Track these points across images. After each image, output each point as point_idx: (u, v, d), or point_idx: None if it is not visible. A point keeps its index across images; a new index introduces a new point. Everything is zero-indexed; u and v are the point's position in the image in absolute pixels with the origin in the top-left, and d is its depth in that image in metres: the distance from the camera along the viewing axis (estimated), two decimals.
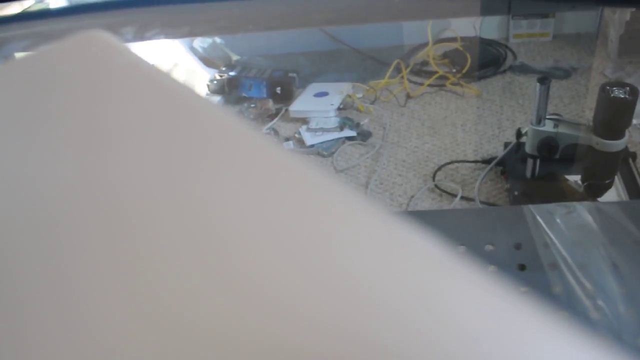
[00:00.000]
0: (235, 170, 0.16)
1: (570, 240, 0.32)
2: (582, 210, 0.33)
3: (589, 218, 0.32)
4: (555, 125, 1.08)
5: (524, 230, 0.34)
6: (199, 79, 1.75)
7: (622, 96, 0.95)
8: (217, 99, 1.71)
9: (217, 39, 1.85)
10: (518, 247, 0.34)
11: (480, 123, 1.48)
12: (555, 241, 0.32)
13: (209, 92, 1.74)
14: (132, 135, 0.18)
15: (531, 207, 0.35)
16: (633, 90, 0.95)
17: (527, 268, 0.33)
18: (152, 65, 0.22)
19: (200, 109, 0.20)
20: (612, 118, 0.98)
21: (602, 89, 0.96)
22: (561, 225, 0.32)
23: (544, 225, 0.33)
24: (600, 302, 0.29)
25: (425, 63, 1.74)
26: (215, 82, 1.72)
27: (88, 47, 0.23)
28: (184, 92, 0.20)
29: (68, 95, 0.20)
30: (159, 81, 0.21)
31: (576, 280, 0.30)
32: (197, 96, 0.20)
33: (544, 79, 1.05)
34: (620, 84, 0.96)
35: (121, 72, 0.21)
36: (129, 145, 0.18)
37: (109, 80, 0.21)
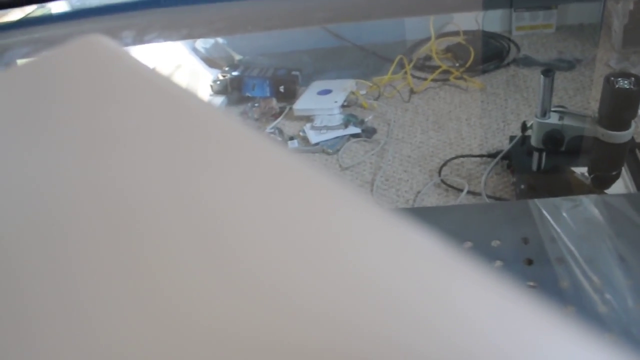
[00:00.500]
0: (239, 172, 0.16)
1: (577, 234, 0.31)
2: (589, 204, 0.32)
3: (595, 211, 0.32)
4: (561, 118, 1.07)
5: (530, 225, 0.33)
6: (201, 79, 1.75)
7: (627, 87, 0.94)
8: (220, 99, 1.71)
9: (220, 40, 1.85)
10: (525, 241, 0.34)
11: (485, 117, 1.47)
12: (562, 235, 0.32)
13: (212, 92, 1.74)
14: (135, 139, 0.18)
15: (537, 201, 0.34)
16: (638, 81, 0.94)
17: (534, 263, 0.33)
18: (152, 68, 0.22)
19: (202, 112, 0.20)
20: (617, 109, 0.97)
21: (607, 80, 0.95)
22: (568, 219, 0.32)
23: (550, 219, 0.33)
24: (608, 296, 0.29)
25: (428, 58, 1.74)
26: (218, 82, 1.73)
27: (87, 52, 0.23)
28: (184, 95, 0.20)
29: (69, 101, 0.20)
30: (159, 84, 0.21)
31: (583, 274, 0.30)
32: (199, 99, 0.20)
33: (548, 71, 1.04)
34: (625, 75, 0.96)
35: (121, 76, 0.21)
36: (132, 149, 0.18)
37: (109, 85, 0.21)
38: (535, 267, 0.32)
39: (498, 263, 0.32)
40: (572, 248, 0.31)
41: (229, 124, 0.19)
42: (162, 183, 0.16)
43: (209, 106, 0.20)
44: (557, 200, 0.34)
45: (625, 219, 0.32)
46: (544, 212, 0.33)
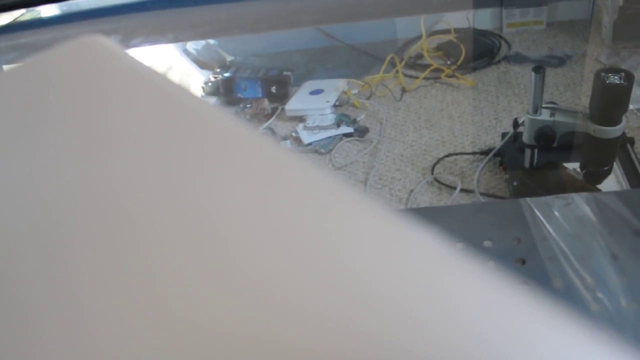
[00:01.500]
0: (237, 170, 0.16)
1: (568, 232, 0.31)
2: (580, 202, 0.32)
3: (586, 209, 0.32)
4: (552, 114, 1.08)
5: (522, 224, 0.33)
6: (193, 81, 1.74)
7: (618, 82, 0.94)
8: (212, 100, 1.71)
9: (211, 41, 1.85)
10: (517, 241, 0.34)
11: (476, 114, 1.48)
12: (554, 234, 0.32)
13: (204, 94, 1.73)
14: (134, 138, 0.18)
15: (529, 200, 0.34)
16: (628, 76, 0.95)
17: (526, 262, 0.32)
18: (151, 68, 0.22)
19: (200, 110, 0.20)
20: (608, 105, 0.98)
21: (597, 75, 0.95)
22: (559, 217, 0.32)
23: (542, 218, 0.33)
24: (600, 295, 0.29)
25: (419, 56, 1.74)
26: (210, 84, 1.72)
27: (87, 51, 0.23)
28: (183, 94, 0.20)
29: (69, 100, 0.20)
30: (158, 84, 0.21)
31: (575, 273, 0.30)
32: (197, 98, 0.20)
33: (539, 68, 1.04)
34: (615, 70, 0.96)
35: (121, 75, 0.21)
36: (132, 148, 0.18)
37: (109, 84, 0.21)
38: (527, 267, 0.32)
39: (491, 263, 0.32)
40: (564, 247, 0.31)
41: (226, 122, 0.19)
42: (162, 181, 0.16)
43: (207, 105, 0.20)
44: (548, 198, 0.34)
45: (617, 216, 0.32)
46: (536, 211, 0.33)
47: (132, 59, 0.22)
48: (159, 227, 0.15)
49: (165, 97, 0.20)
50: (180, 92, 0.20)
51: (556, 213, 0.32)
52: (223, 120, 0.19)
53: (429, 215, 0.37)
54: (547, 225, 0.32)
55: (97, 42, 0.23)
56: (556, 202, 0.33)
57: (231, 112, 1.65)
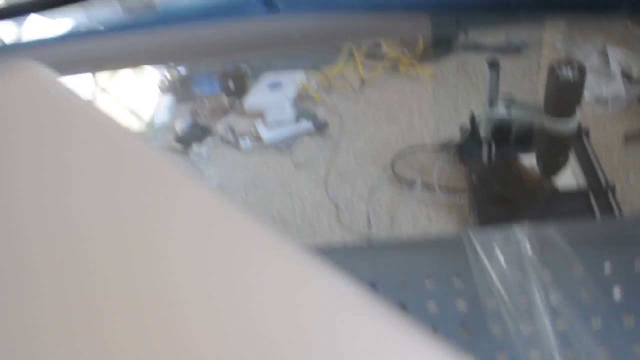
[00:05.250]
0: (166, 213, 0.17)
1: (509, 279, 0.30)
2: (522, 237, 0.31)
3: (527, 247, 0.31)
4: (508, 107, 1.08)
5: (464, 262, 0.32)
6: (148, 78, 1.70)
7: (570, 78, 0.94)
8: (168, 98, 1.66)
9: None
10: (458, 279, 0.32)
11: (436, 105, 1.47)
12: (495, 277, 0.31)
13: (159, 91, 1.69)
14: (69, 175, 0.19)
15: (470, 234, 0.33)
16: (581, 69, 0.95)
17: (467, 306, 0.31)
18: (86, 99, 0.22)
19: (135, 147, 0.20)
20: (561, 99, 0.98)
21: (551, 70, 0.95)
22: (500, 256, 0.31)
23: (483, 256, 0.31)
24: (534, 352, 0.28)
25: (377, 44, 1.72)
26: (165, 80, 1.67)
27: (20, 79, 0.22)
28: (118, 129, 0.21)
29: (3, 132, 0.20)
30: (93, 117, 0.21)
31: (514, 323, 0.29)
32: (132, 134, 0.21)
33: (493, 64, 1.04)
34: (568, 63, 0.96)
35: (56, 107, 0.21)
36: (66, 185, 0.18)
37: (45, 117, 0.21)
38: (469, 311, 0.31)
39: (432, 304, 0.31)
40: (504, 294, 0.30)
41: (160, 160, 0.20)
42: (99, 216, 0.17)
43: (141, 141, 0.21)
44: (489, 232, 0.33)
45: (559, 256, 0.31)
46: (477, 246, 0.31)
47: (67, 89, 0.22)
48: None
49: (101, 132, 0.21)
50: (115, 126, 0.21)
51: (497, 250, 0.31)
52: (156, 157, 0.20)
53: (368, 252, 0.36)
54: (489, 266, 0.31)
55: (31, 69, 0.23)
56: (497, 237, 0.32)
57: (188, 108, 1.61)
